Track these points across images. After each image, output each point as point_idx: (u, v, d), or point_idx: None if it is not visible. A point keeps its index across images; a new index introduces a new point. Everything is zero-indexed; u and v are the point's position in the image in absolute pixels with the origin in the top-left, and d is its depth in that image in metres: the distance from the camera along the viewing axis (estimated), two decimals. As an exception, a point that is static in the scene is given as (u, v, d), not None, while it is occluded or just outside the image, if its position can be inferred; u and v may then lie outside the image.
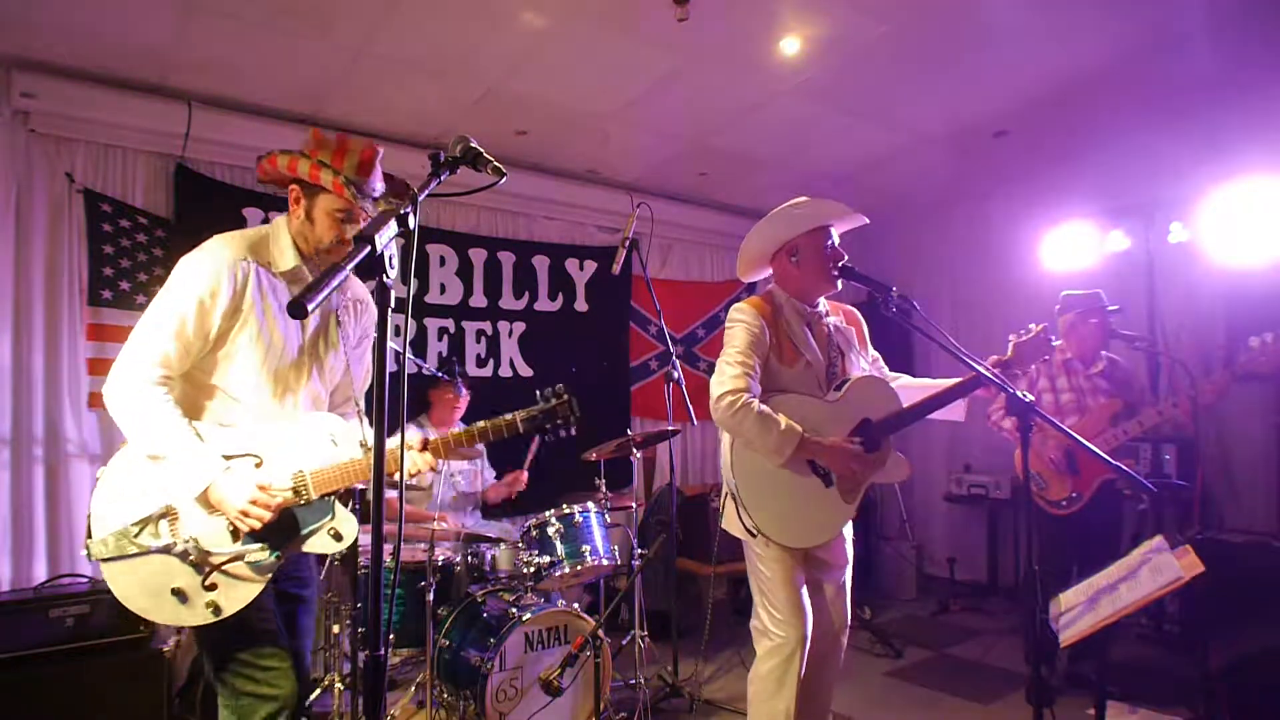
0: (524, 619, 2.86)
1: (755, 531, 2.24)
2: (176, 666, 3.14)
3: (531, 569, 3.05)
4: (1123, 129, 4.23)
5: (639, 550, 3.49)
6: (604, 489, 3.44)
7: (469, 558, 3.24)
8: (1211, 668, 3.07)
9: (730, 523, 2.35)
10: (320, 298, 1.15)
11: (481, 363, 4.68)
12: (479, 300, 4.65)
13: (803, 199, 2.36)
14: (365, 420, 1.91)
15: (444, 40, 3.26)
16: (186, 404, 1.76)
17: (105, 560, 1.67)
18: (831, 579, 2.45)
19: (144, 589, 1.68)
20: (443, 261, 4.50)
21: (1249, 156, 3.93)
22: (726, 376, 2.22)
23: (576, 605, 3.16)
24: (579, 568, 3.07)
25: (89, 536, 1.70)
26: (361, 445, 1.83)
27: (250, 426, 1.79)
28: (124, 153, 3.57)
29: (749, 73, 3.63)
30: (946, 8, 3.11)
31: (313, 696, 3.17)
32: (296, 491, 1.76)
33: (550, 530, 3.10)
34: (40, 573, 3.24)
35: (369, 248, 1.18)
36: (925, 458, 5.81)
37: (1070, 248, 4.64)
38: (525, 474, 3.84)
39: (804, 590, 2.32)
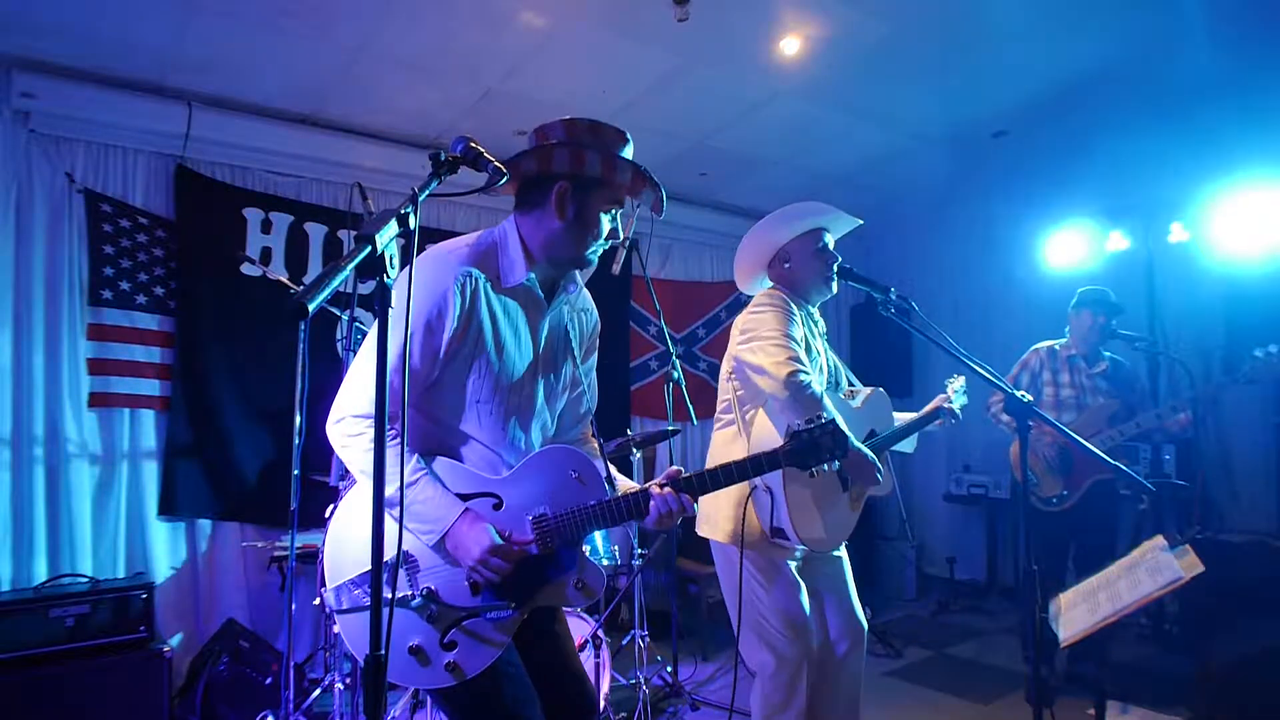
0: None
1: (779, 532, 2.11)
2: (176, 666, 3.15)
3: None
4: (1122, 129, 4.22)
5: (639, 550, 3.50)
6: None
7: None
8: (1211, 668, 3.07)
9: (732, 525, 2.23)
10: (322, 297, 1.04)
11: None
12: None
13: (789, 206, 2.36)
14: (599, 442, 1.76)
15: (444, 40, 3.26)
16: (414, 439, 1.58)
17: (340, 612, 1.52)
18: (829, 585, 2.38)
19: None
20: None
21: (1249, 156, 3.93)
22: (784, 357, 2.07)
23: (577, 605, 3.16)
24: (579, 568, 3.06)
25: (323, 585, 1.55)
26: (609, 482, 1.60)
27: (483, 462, 1.59)
28: (124, 153, 3.57)
29: (749, 73, 3.63)
30: (946, 8, 3.11)
31: (313, 695, 3.17)
32: (540, 539, 1.53)
33: (550, 530, 3.10)
34: (40, 573, 3.24)
35: (369, 248, 1.16)
36: (925, 458, 5.80)
37: (1070, 248, 4.65)
38: None
39: (805, 601, 2.26)
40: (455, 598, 1.51)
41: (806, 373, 2.08)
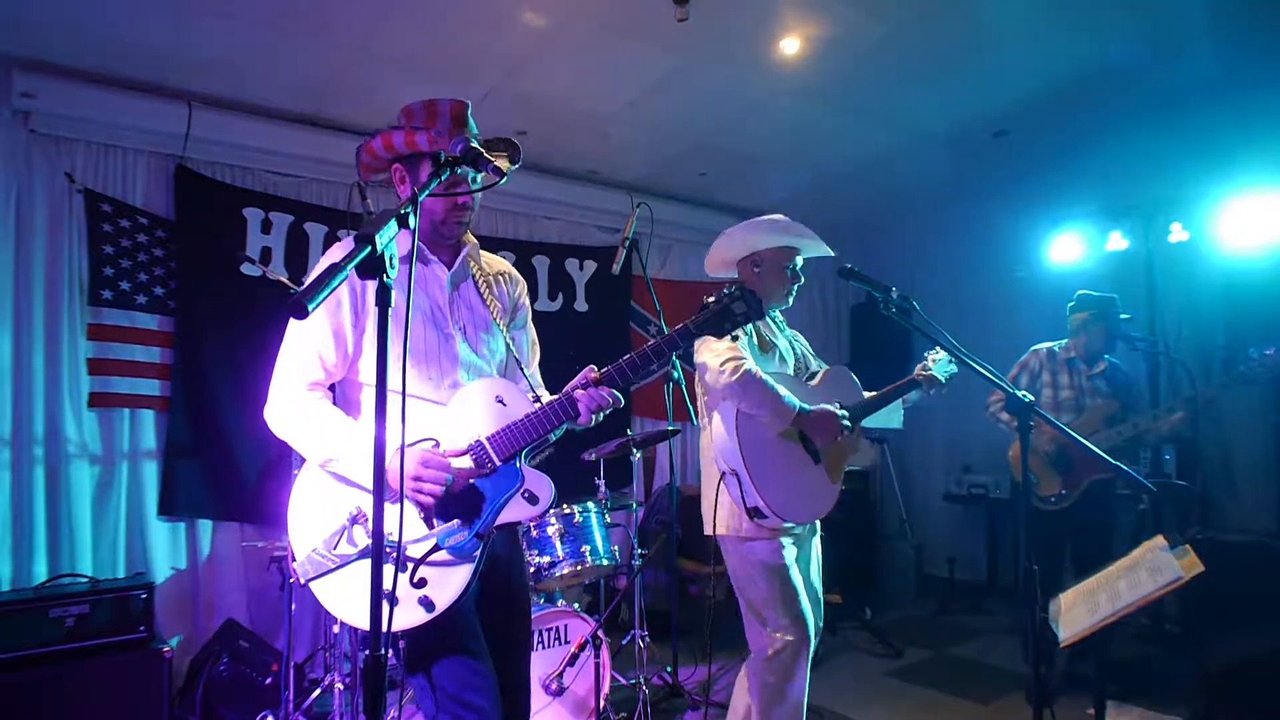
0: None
1: (756, 511, 2.21)
2: (176, 666, 3.15)
3: (531, 569, 3.05)
4: (1122, 129, 4.22)
5: (639, 550, 3.50)
6: (604, 489, 3.44)
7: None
8: (1211, 668, 3.07)
9: (722, 516, 2.34)
10: (321, 296, 1.09)
11: (481, 363, 4.67)
12: (479, 300, 4.65)
13: (778, 216, 2.47)
14: (542, 389, 1.85)
15: (444, 40, 3.26)
16: (355, 406, 1.73)
17: (313, 580, 1.60)
18: (803, 568, 2.47)
19: (357, 600, 1.58)
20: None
21: (1249, 156, 3.93)
22: (722, 347, 2.24)
23: (576, 605, 3.16)
24: (579, 568, 3.07)
25: (293, 561, 1.64)
26: (533, 398, 1.75)
27: (423, 417, 1.70)
28: (124, 153, 3.57)
29: (749, 73, 3.63)
30: (946, 8, 3.11)
31: (313, 695, 3.17)
32: (477, 462, 1.65)
33: (550, 530, 3.10)
34: (40, 573, 3.24)
35: (369, 248, 1.16)
36: (925, 458, 5.80)
37: (1070, 247, 4.65)
38: None
39: (800, 586, 2.34)
40: (412, 534, 1.60)
41: (741, 359, 2.22)
